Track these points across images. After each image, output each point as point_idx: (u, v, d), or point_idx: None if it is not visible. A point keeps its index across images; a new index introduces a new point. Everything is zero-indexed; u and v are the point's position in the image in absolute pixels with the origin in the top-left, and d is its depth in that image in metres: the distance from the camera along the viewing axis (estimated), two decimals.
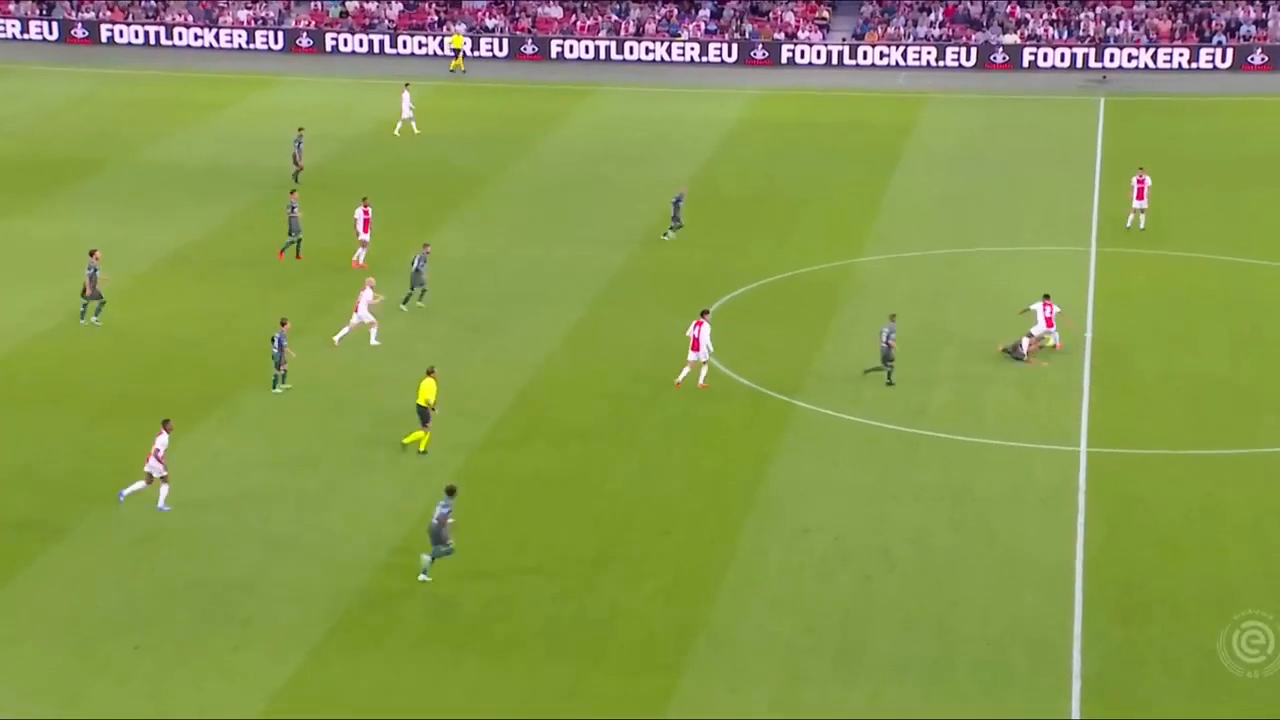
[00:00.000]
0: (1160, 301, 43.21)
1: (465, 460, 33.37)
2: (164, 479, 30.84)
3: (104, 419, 35.49)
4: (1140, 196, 46.82)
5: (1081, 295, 43.00)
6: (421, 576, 28.17)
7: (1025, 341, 38.50)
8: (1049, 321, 38.72)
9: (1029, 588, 28.25)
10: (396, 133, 61.86)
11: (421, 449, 33.41)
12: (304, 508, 31.31)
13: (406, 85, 64.39)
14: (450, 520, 28.14)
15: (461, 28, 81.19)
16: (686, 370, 36.76)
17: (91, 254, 41.25)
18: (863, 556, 29.33)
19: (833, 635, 26.75)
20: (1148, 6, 79.18)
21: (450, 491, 28.47)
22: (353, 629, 27.05)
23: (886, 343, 36.87)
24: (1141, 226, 48.44)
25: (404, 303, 41.56)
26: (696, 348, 36.53)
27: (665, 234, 47.59)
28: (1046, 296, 39.19)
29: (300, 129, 55.27)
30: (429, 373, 33.89)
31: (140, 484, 30.96)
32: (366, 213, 45.57)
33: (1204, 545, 29.77)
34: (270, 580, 28.53)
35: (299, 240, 46.08)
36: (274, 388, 36.59)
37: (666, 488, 32.13)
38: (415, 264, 41.79)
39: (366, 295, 39.16)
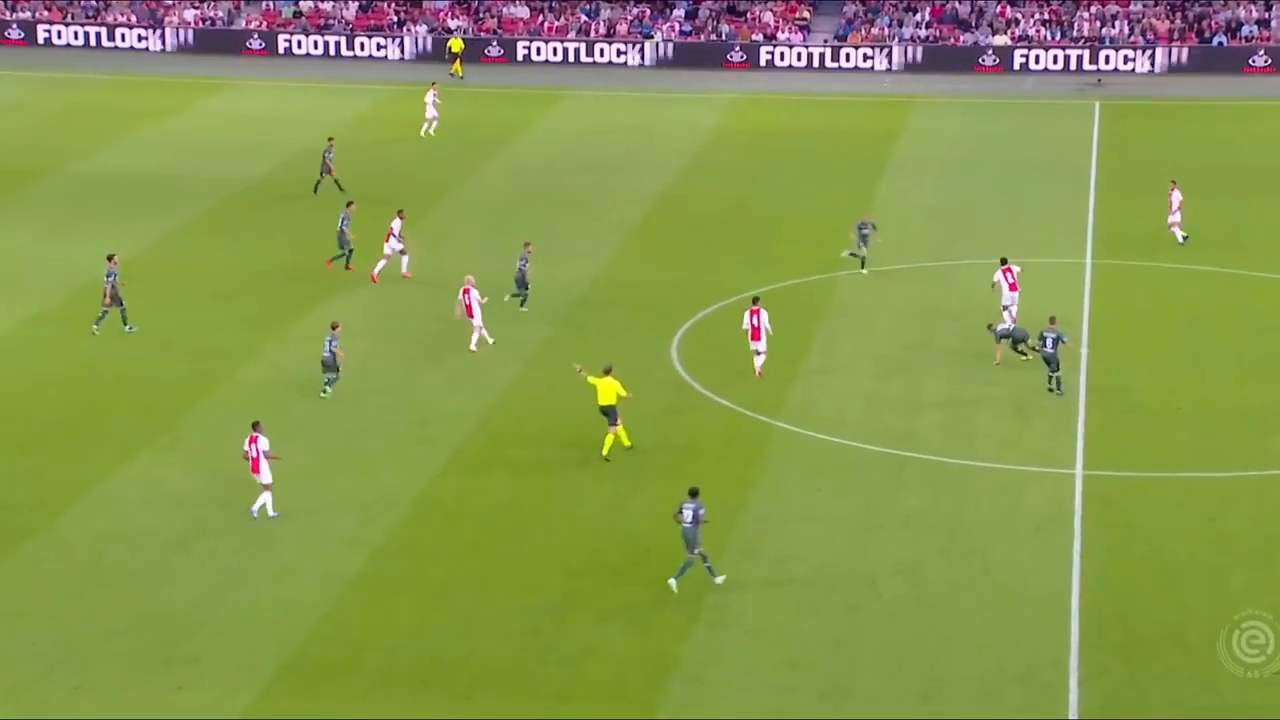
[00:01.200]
0: (1160, 316, 43.37)
1: (424, 488, 33.27)
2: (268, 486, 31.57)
3: (35, 446, 35.27)
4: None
5: (1077, 310, 43.13)
6: (673, 581, 28.69)
7: (1007, 317, 39.92)
8: (1012, 286, 40.43)
9: (1023, 621, 28.23)
10: (423, 134, 63.08)
11: (604, 453, 34.12)
12: (253, 538, 31.14)
13: (433, 85, 65.54)
14: (704, 519, 28.72)
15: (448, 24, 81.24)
16: (757, 361, 38.10)
17: (110, 259, 41.85)
18: (848, 587, 29.28)
19: (816, 671, 26.68)
20: (1145, 6, 79.70)
21: (694, 493, 28.94)
22: (306, 667, 26.88)
23: (1051, 349, 37.08)
24: (1180, 239, 48.47)
25: (522, 305, 42.76)
26: (757, 336, 38.00)
27: (851, 254, 45.80)
28: (1004, 260, 40.95)
29: (330, 139, 55.39)
30: (606, 372, 34.58)
31: (267, 495, 31.61)
32: (397, 223, 45.89)
33: (1208, 574, 29.81)
34: (218, 616, 28.35)
35: (349, 252, 46.31)
36: (322, 393, 37.39)
37: (638, 517, 32.04)
38: (519, 265, 42.82)
39: (475, 295, 39.97)
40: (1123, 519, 31.93)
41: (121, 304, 41.52)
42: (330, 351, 37.27)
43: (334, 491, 33.14)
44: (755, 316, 38.17)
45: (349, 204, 47.70)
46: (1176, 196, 49.02)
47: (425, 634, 27.80)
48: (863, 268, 45.82)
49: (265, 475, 31.72)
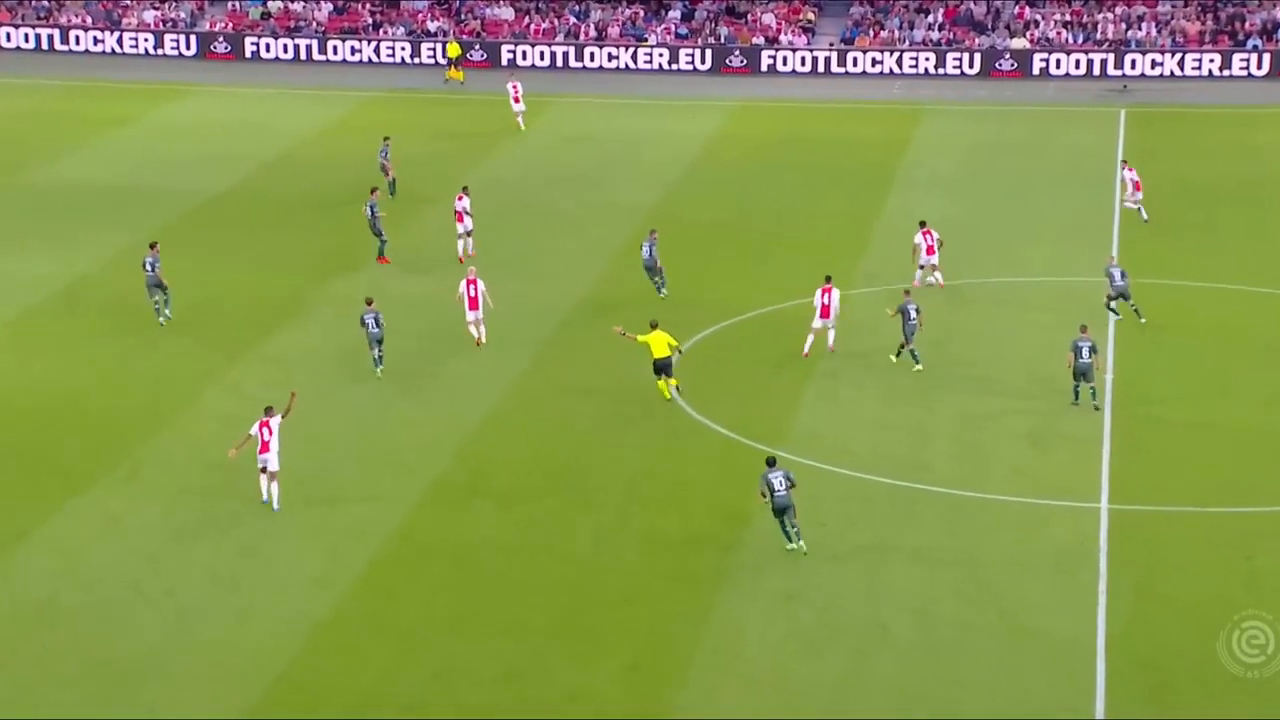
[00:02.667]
0: (1189, 339, 43.43)
1: (399, 522, 33.26)
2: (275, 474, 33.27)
3: None
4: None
5: (1101, 332, 43.16)
6: (793, 546, 31.30)
7: (917, 275, 44.44)
8: (930, 250, 45.27)
9: (1043, 665, 28.21)
10: (521, 127, 66.16)
11: (667, 397, 38.31)
12: (215, 577, 31.10)
13: (512, 75, 68.51)
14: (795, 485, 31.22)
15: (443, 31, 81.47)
16: (811, 339, 41.11)
17: (152, 246, 44.37)
18: (854, 629, 29.26)
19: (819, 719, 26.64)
20: (1173, 6, 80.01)
21: (771, 462, 31.59)
22: (271, 715, 26.80)
23: (1085, 358, 37.99)
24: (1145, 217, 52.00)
25: (661, 290, 45.66)
26: (827, 314, 41.02)
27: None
28: (923, 223, 45.84)
29: (386, 138, 57.42)
30: (654, 326, 38.32)
31: (275, 486, 33.29)
32: (461, 200, 49.64)
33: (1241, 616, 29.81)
34: (177, 661, 28.29)
35: (383, 243, 48.94)
36: (376, 369, 40.13)
37: (628, 552, 32.03)
38: (647, 253, 45.53)
39: (481, 287, 42.02)
40: (1150, 556, 31.92)
41: (165, 291, 43.72)
42: (378, 326, 40.02)
43: (300, 526, 33.09)
44: (827, 295, 41.05)
45: (373, 190, 50.31)
46: (1130, 175, 52.76)
47: (397, 679, 27.73)
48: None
49: (274, 462, 33.20)
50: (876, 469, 35.49)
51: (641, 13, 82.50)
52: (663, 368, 38.33)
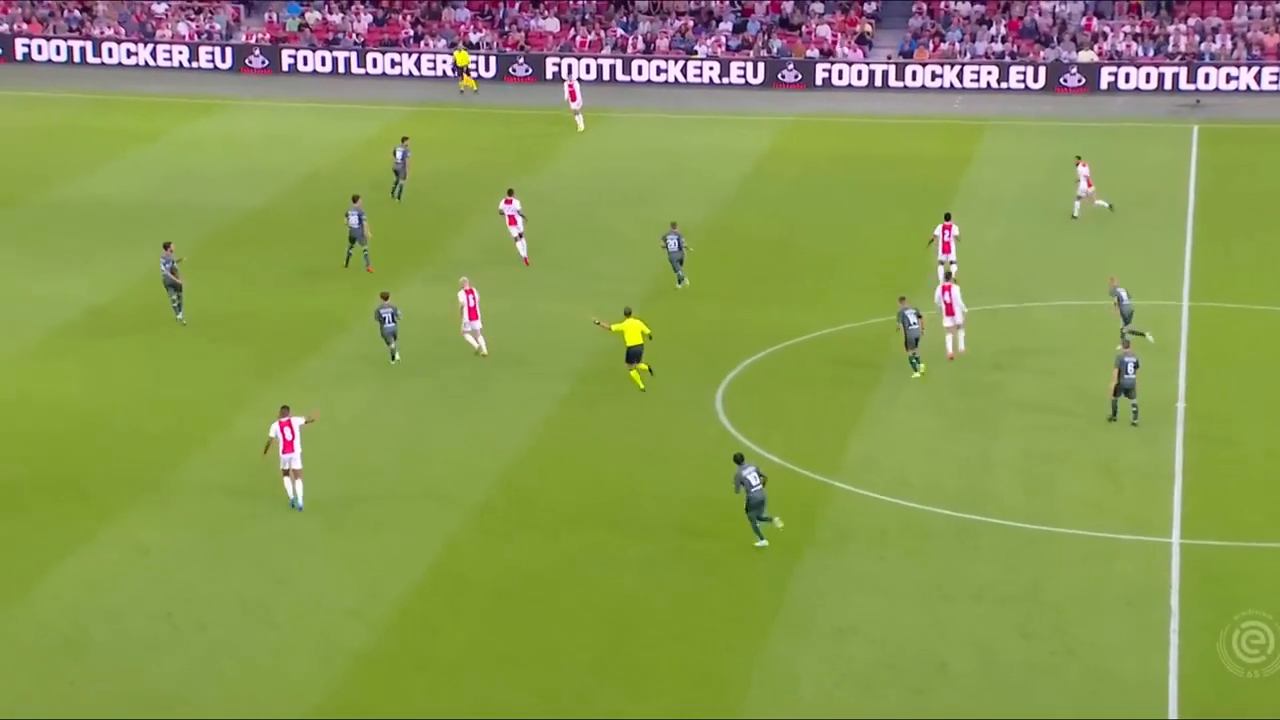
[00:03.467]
0: (1264, 365, 43.16)
1: (440, 552, 33.29)
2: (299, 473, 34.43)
3: (4, 507, 35.26)
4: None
5: (1172, 359, 42.94)
6: (762, 543, 32.77)
7: (939, 271, 46.10)
8: (946, 246, 47.08)
9: (1112, 708, 28.01)
10: (580, 128, 68.56)
11: (641, 387, 40.16)
12: (246, 609, 31.16)
13: (569, 74, 70.49)
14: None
15: (458, 38, 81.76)
16: (950, 340, 42.25)
17: (166, 247, 45.86)
18: (913, 668, 29.12)
19: None
20: (1250, 18, 79.58)
21: (740, 458, 33.13)
22: None
23: (1132, 373, 38.31)
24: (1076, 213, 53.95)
25: (681, 281, 48.14)
26: (951, 312, 41.93)
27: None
28: (948, 216, 47.97)
29: (404, 137, 59.41)
30: (627, 314, 40.33)
31: (299, 484, 34.40)
32: (510, 204, 51.40)
33: None
34: (209, 696, 28.33)
35: (361, 249, 50.09)
36: (391, 361, 42.19)
37: (677, 584, 31.96)
38: (675, 244, 48.07)
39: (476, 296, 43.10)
40: (1226, 593, 31.62)
41: (180, 290, 45.23)
42: (393, 321, 41.98)
43: (337, 556, 33.15)
44: (947, 293, 42.06)
45: (355, 197, 50.94)
46: (1083, 170, 54.91)
47: (437, 716, 27.67)
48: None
49: (298, 460, 34.25)
50: (936, 500, 35.34)
51: (691, 24, 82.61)
52: (635, 355, 40.03)
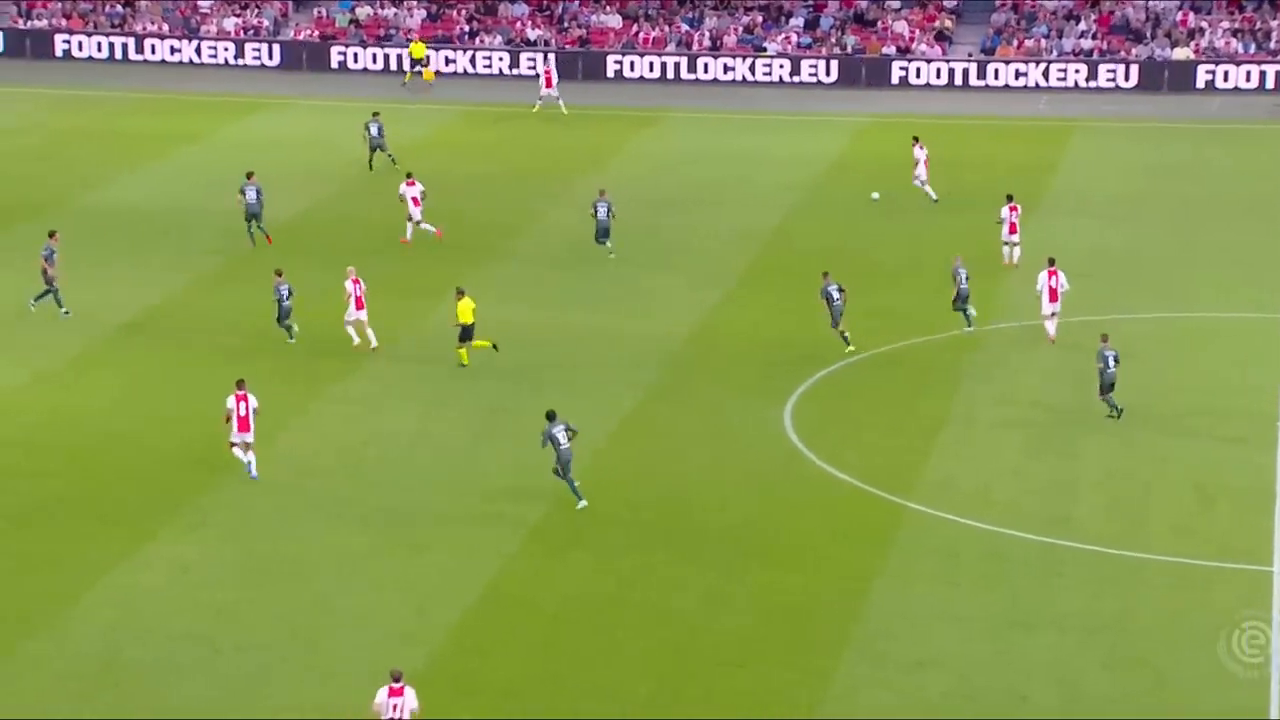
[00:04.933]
0: None
1: (494, 574, 33.39)
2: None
3: (37, 525, 35.63)
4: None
5: (1273, 375, 42.66)
6: (584, 503, 35.20)
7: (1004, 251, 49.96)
8: (1012, 227, 50.30)
9: None
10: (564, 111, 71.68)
11: (465, 362, 42.95)
12: (290, 631, 31.35)
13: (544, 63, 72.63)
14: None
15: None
16: (1050, 326, 44.12)
17: (51, 235, 47.83)
18: (992, 701, 29.04)
19: None
20: None
21: (551, 415, 35.16)
22: None
23: (1113, 367, 39.37)
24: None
25: (970, 325, 46.89)
26: (1055, 298, 43.77)
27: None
28: (1010, 197, 50.29)
29: (375, 113, 63.31)
30: (460, 294, 42.70)
31: (252, 456, 36.71)
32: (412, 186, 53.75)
33: None
34: None
35: (257, 225, 53.83)
36: (289, 340, 44.77)
37: (740, 611, 31.98)
38: (604, 213, 50.93)
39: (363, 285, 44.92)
40: None
41: (53, 284, 47.06)
42: (289, 299, 44.60)
43: (384, 577, 33.33)
44: (1054, 278, 43.73)
45: (249, 174, 54.14)
46: (920, 153, 57.76)
47: None
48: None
49: (251, 436, 36.61)
50: (1017, 523, 35.23)
51: (761, 20, 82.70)
52: (467, 334, 42.78)
